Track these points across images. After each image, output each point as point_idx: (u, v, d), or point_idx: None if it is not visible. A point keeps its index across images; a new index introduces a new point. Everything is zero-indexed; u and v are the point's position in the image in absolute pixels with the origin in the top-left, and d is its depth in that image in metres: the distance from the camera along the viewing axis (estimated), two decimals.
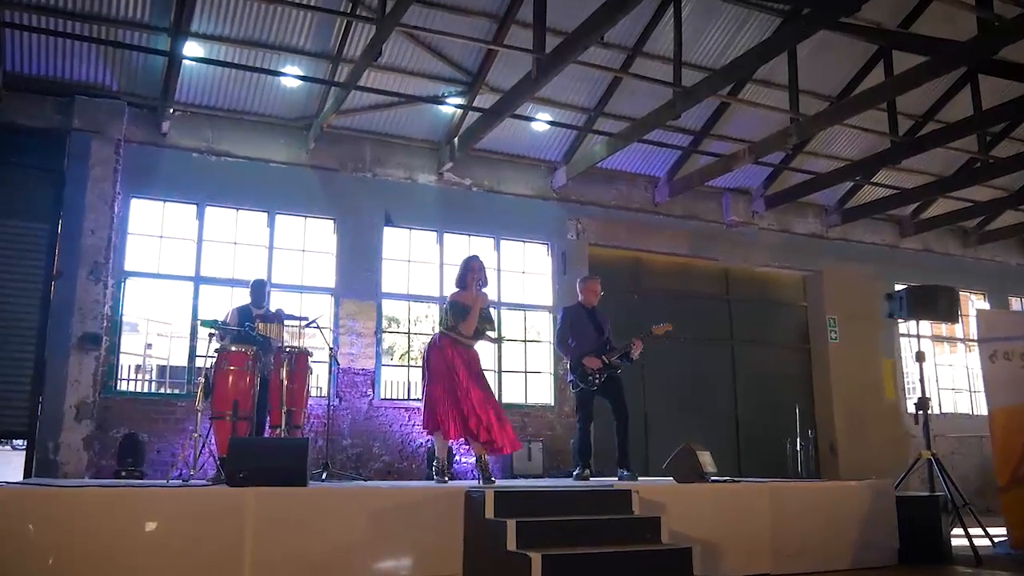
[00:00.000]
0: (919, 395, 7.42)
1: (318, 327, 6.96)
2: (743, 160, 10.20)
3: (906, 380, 13.29)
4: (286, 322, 6.74)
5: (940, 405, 13.51)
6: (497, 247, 10.62)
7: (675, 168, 11.53)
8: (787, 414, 12.36)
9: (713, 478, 6.09)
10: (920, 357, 7.50)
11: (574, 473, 7.65)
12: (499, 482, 6.15)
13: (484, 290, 6.34)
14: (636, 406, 11.36)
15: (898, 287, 13.54)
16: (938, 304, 7.68)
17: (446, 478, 6.16)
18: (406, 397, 10.05)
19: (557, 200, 11.07)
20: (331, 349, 6.99)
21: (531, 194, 10.92)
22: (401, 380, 11.66)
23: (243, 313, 7.10)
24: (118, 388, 8.67)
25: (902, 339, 13.47)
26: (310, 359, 6.93)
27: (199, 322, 6.44)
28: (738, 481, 6.15)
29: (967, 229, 14.31)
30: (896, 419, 12.78)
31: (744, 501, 5.91)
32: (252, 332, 6.50)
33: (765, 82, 10.49)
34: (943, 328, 14.01)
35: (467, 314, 6.11)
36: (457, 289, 6.35)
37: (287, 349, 6.67)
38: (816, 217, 13.01)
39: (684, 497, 5.66)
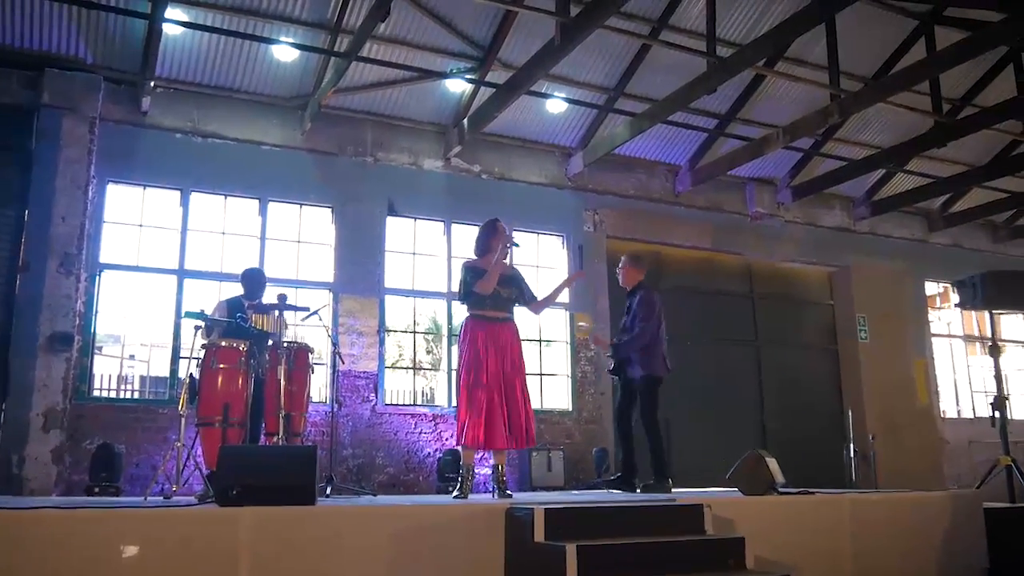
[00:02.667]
0: (996, 394, 6.62)
1: (320, 319, 6.06)
2: (776, 143, 9.40)
3: (938, 382, 12.51)
4: (284, 312, 5.82)
5: (974, 409, 12.73)
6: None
7: (697, 155, 10.73)
8: (818, 419, 11.61)
9: (782, 489, 5.26)
10: (995, 351, 6.70)
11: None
12: (543, 496, 5.27)
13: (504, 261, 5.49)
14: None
15: (928, 284, 13.01)
16: (1021, 290, 6.88)
17: (466, 494, 5.21)
18: (412, 402, 9.19)
19: (572, 189, 10.25)
20: (334, 346, 6.08)
21: (545, 182, 10.08)
22: (406, 384, 10.83)
23: (233, 306, 6.20)
24: (92, 394, 7.75)
25: (933, 339, 12.69)
26: (311, 356, 6.04)
27: (184, 313, 5.52)
28: (812, 492, 5.32)
29: (996, 224, 13.57)
30: (930, 424, 12.00)
31: (822, 515, 5.09)
32: (245, 324, 5.61)
33: (798, 60, 9.72)
34: (975, 327, 13.27)
35: (483, 275, 5.19)
36: (475, 257, 5.50)
37: (285, 344, 5.78)
38: (843, 210, 12.24)
39: (755, 512, 4.82)
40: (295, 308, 6.00)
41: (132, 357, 11.68)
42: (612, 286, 10.25)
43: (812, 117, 9.05)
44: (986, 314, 13.16)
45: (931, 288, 13.08)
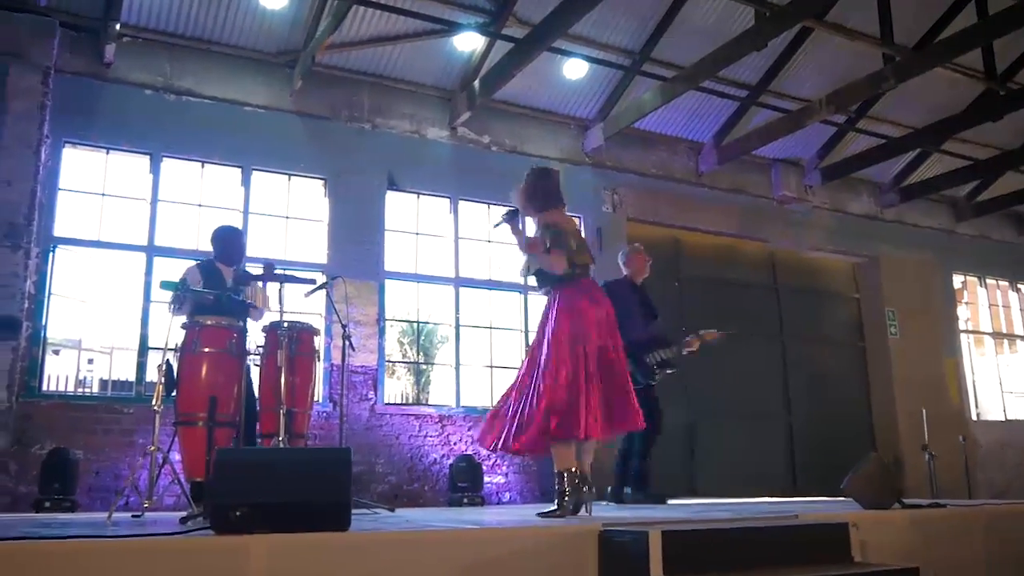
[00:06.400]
0: None
1: (329, 295, 4.97)
2: (819, 114, 8.51)
3: (970, 382, 11.71)
4: (284, 286, 4.70)
5: (1006, 410, 11.94)
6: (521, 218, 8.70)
7: (723, 131, 9.79)
8: (846, 420, 10.74)
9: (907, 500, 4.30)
10: None
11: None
12: (630, 511, 4.14)
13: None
14: (679, 417, 9.60)
15: (956, 276, 12.22)
16: None
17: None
18: (415, 401, 8.10)
19: (590, 165, 9.25)
20: (344, 328, 4.95)
21: (559, 157, 9.04)
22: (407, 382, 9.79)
23: (208, 272, 5.11)
24: (43, 390, 6.55)
25: (962, 335, 11.88)
26: (317, 340, 4.94)
27: (160, 283, 4.42)
28: (943, 505, 4.36)
29: (1022, 214, 12.82)
30: (963, 427, 11.14)
31: (955, 532, 4.13)
32: (238, 297, 4.52)
33: (836, 26, 8.82)
34: (1003, 324, 12.49)
35: (562, 238, 4.12)
36: (546, 211, 4.36)
37: (286, 325, 4.67)
38: (871, 196, 11.39)
39: (888, 530, 3.84)
40: (297, 280, 4.89)
41: (91, 361, 10.36)
42: None
43: (861, 83, 8.17)
44: (1017, 309, 12.51)
45: (956, 282, 12.29)
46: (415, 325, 10.26)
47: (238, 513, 2.74)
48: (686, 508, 5.23)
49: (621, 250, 6.70)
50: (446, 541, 2.99)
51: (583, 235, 4.40)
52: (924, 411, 7.90)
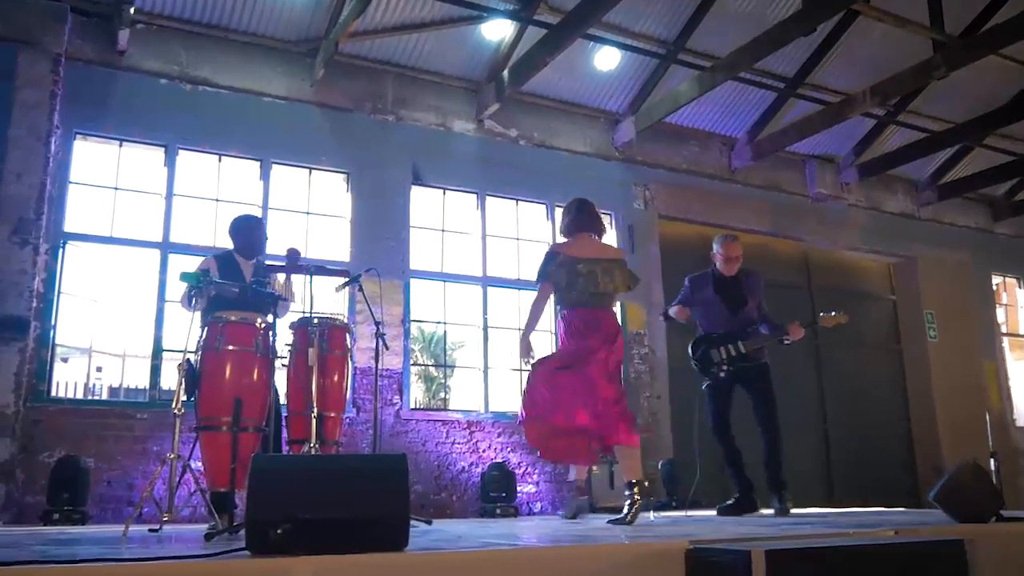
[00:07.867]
0: None
1: (362, 292, 4.59)
2: (862, 106, 8.14)
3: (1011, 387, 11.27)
4: (312, 278, 4.34)
5: None
6: (550, 215, 8.36)
7: (758, 126, 9.41)
8: (885, 427, 10.35)
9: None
10: None
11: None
12: (711, 525, 3.70)
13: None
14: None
15: (995, 278, 11.81)
16: None
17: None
18: (443, 407, 7.72)
19: (620, 160, 8.87)
20: (377, 326, 4.56)
21: (589, 151, 8.70)
22: (418, 388, 9.38)
23: (226, 265, 4.75)
24: (51, 394, 6.20)
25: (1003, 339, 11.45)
26: (350, 337, 4.57)
27: (180, 275, 4.06)
28: None
29: None
30: (1004, 433, 10.72)
31: None
32: (264, 290, 4.15)
33: (883, 12, 8.42)
34: None
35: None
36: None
37: (316, 321, 4.30)
38: (906, 194, 10.98)
39: (991, 546, 3.42)
40: (326, 272, 4.52)
41: (100, 369, 9.99)
42: (666, 272, 8.92)
43: (908, 74, 7.78)
44: None
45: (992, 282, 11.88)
46: (424, 330, 9.87)
47: (279, 531, 2.37)
48: (756, 520, 4.81)
49: (717, 237, 6.17)
50: (512, 561, 2.60)
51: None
52: (987, 415, 7.45)
